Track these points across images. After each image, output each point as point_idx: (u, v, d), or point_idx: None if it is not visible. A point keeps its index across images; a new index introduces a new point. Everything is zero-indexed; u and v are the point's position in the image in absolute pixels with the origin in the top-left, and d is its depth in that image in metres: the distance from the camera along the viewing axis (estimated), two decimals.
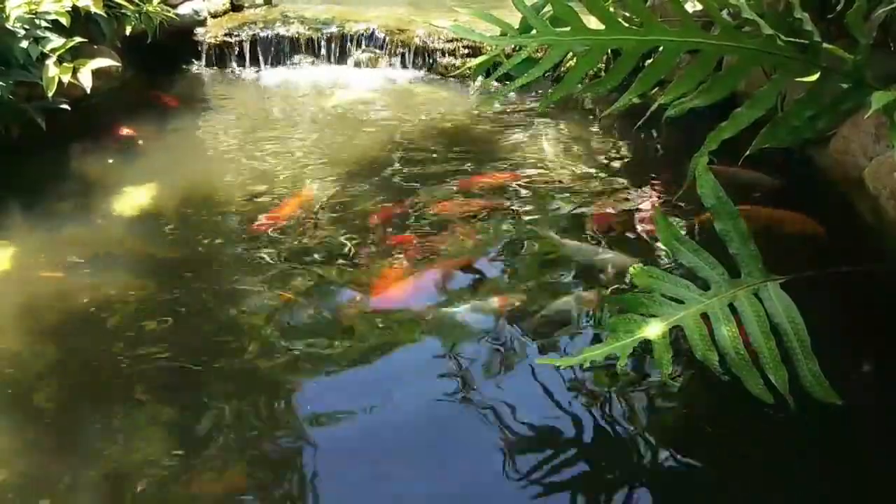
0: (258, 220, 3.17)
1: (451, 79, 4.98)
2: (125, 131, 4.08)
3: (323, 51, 5.22)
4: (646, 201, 3.16)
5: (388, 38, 5.15)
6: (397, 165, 3.74)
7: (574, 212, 3.28)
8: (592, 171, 3.69)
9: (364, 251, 2.97)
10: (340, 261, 2.92)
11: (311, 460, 2.06)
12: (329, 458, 2.08)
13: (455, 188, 3.45)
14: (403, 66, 5.15)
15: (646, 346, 2.12)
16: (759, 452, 2.07)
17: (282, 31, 5.24)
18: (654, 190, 3.42)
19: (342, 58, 5.22)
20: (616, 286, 2.67)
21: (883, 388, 2.24)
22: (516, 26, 2.72)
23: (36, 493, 1.99)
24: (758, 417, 2.07)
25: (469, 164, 3.73)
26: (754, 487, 1.98)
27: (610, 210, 3.11)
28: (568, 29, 2.33)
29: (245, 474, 2.02)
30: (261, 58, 5.21)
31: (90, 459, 2.07)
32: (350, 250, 2.98)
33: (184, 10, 5.09)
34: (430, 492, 1.99)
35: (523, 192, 3.45)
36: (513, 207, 3.31)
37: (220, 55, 5.22)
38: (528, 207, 3.31)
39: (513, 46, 2.52)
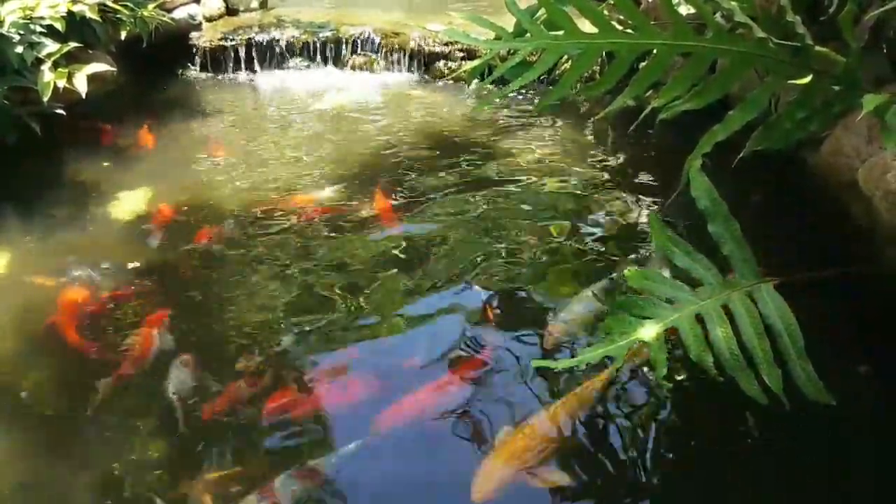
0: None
1: (447, 82, 4.99)
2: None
3: (318, 55, 5.22)
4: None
5: (383, 42, 5.16)
6: (393, 169, 3.75)
7: (567, 214, 3.30)
8: (587, 172, 3.70)
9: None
10: (336, 267, 2.94)
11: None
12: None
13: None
14: (399, 69, 5.15)
15: None
16: (752, 452, 2.08)
17: (277, 35, 5.25)
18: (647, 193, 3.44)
19: (337, 61, 5.22)
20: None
21: (877, 389, 2.25)
22: (510, 30, 2.73)
23: (31, 497, 1.99)
24: (752, 418, 2.08)
25: (464, 168, 3.74)
26: (749, 487, 1.99)
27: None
28: (562, 32, 2.34)
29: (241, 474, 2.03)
30: (256, 62, 5.22)
31: (85, 464, 2.07)
32: (346, 254, 3.00)
33: (179, 14, 5.09)
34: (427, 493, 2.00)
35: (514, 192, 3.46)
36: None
37: (216, 59, 5.22)
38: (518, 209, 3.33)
39: (507, 50, 2.52)
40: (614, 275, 2.70)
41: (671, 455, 2.12)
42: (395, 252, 3.01)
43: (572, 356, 2.27)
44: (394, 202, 3.36)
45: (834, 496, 1.98)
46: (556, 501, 1.99)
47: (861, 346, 2.37)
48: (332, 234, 3.14)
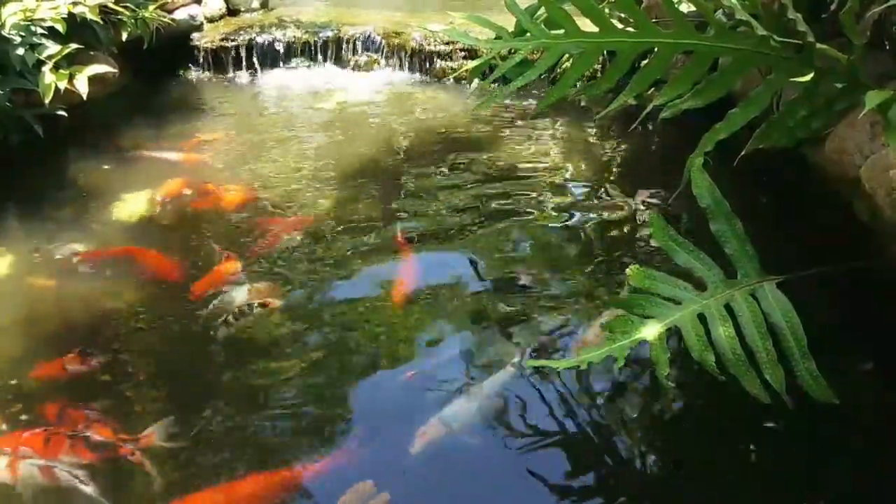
0: None
1: (448, 81, 4.99)
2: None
3: (319, 55, 5.22)
4: None
5: (384, 42, 5.15)
6: (396, 170, 3.74)
7: (568, 213, 3.29)
8: (588, 171, 3.69)
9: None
10: (340, 269, 2.94)
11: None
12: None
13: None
14: (400, 69, 5.15)
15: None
16: (755, 451, 2.07)
17: (278, 35, 5.24)
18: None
19: (339, 61, 5.22)
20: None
21: (880, 387, 2.24)
22: (511, 29, 2.72)
23: (33, 497, 2.00)
24: (754, 416, 2.08)
25: (466, 167, 3.74)
26: (751, 486, 1.99)
27: None
28: (562, 32, 2.33)
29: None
30: (257, 62, 5.21)
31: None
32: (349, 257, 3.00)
33: (180, 15, 5.09)
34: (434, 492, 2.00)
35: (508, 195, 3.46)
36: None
37: (217, 60, 5.21)
38: (524, 209, 3.33)
39: (508, 49, 2.51)
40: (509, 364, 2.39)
41: (670, 454, 2.12)
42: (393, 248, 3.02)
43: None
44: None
45: (835, 494, 1.97)
46: (557, 501, 1.99)
47: (864, 343, 2.36)
48: (332, 237, 3.14)
